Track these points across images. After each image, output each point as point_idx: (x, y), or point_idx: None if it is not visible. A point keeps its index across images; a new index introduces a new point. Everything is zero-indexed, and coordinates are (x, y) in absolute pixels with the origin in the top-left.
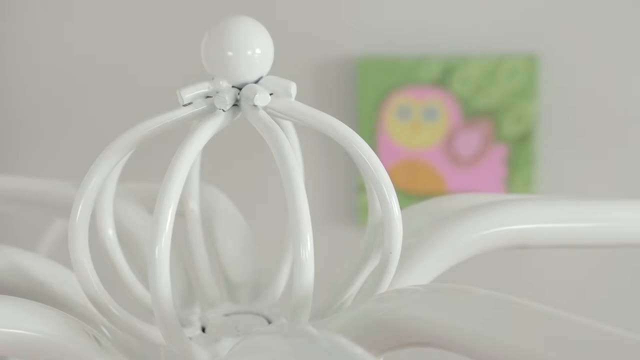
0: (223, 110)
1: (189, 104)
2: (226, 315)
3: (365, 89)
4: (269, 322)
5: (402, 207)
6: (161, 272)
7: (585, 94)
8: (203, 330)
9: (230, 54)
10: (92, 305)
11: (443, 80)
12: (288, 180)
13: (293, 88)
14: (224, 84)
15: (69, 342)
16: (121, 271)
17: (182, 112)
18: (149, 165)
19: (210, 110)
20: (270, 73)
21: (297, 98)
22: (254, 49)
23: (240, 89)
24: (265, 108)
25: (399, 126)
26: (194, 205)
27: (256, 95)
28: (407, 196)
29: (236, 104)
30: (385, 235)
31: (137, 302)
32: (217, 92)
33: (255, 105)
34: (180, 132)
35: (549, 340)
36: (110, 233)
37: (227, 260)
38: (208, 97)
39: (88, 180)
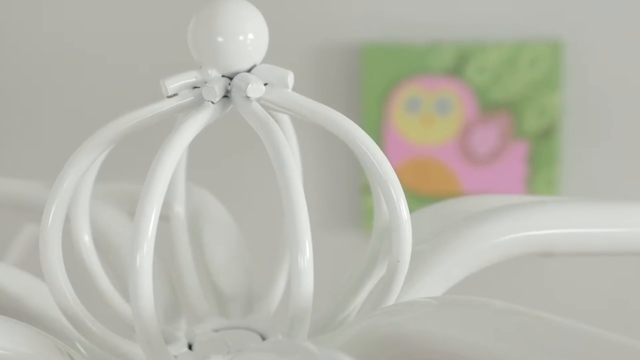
0: (212, 103)
1: (174, 95)
2: (215, 330)
3: (370, 79)
4: (263, 339)
5: (411, 210)
6: (143, 283)
7: (614, 84)
8: (190, 347)
9: (219, 39)
10: (65, 320)
11: (457, 69)
12: (284, 180)
13: (290, 78)
14: (213, 73)
15: None
16: (98, 281)
17: (166, 105)
18: (130, 164)
19: (198, 103)
20: (265, 61)
21: (295, 89)
22: (246, 33)
23: (231, 78)
24: (259, 100)
25: (408, 120)
26: (179, 209)
27: (249, 86)
28: (417, 198)
29: (226, 95)
30: (393, 241)
31: (116, 316)
32: (206, 82)
33: (247, 97)
34: (165, 127)
35: (577, 358)
36: (86, 239)
37: (216, 269)
38: (195, 87)
39: (61, 180)
